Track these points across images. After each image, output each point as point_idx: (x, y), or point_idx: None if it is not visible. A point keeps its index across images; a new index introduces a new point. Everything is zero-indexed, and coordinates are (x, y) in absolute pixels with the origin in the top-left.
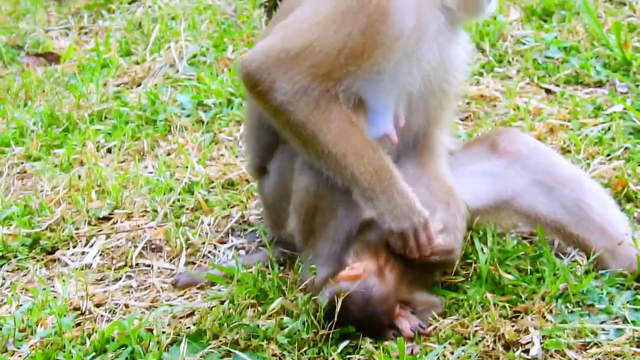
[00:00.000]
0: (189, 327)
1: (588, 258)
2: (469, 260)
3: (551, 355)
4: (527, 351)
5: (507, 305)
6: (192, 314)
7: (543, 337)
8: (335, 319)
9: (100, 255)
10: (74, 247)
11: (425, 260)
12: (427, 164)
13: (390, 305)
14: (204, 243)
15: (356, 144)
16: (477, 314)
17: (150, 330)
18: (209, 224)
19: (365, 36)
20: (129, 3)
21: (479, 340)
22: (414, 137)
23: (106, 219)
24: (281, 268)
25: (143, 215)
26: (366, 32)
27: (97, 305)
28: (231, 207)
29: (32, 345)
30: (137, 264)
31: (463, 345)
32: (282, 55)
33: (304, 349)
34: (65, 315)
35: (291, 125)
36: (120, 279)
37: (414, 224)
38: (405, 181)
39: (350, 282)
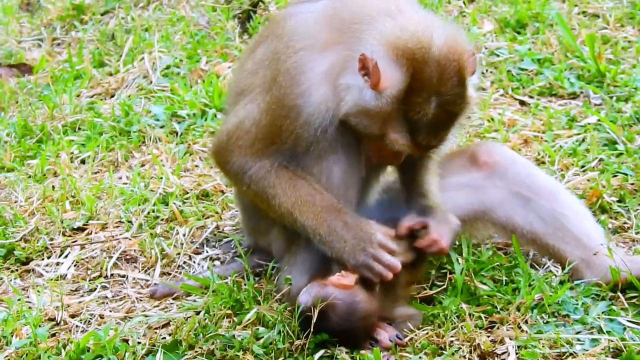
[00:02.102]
0: (164, 338)
1: (563, 268)
2: (444, 271)
3: None
4: None
5: (482, 315)
6: (167, 324)
7: (519, 347)
8: (314, 321)
9: (75, 265)
10: (48, 257)
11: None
12: (421, 180)
13: (372, 323)
14: (179, 254)
15: (299, 198)
16: (452, 324)
17: (126, 341)
18: (184, 235)
19: (275, 126)
20: (102, 14)
21: (455, 351)
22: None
23: (81, 229)
24: (256, 278)
25: (118, 226)
26: (275, 124)
27: (72, 316)
28: (206, 218)
29: (7, 356)
30: (112, 275)
31: (439, 355)
32: (224, 140)
33: (280, 359)
34: (40, 326)
35: (245, 193)
36: (95, 289)
37: (370, 252)
38: (355, 214)
39: (338, 289)
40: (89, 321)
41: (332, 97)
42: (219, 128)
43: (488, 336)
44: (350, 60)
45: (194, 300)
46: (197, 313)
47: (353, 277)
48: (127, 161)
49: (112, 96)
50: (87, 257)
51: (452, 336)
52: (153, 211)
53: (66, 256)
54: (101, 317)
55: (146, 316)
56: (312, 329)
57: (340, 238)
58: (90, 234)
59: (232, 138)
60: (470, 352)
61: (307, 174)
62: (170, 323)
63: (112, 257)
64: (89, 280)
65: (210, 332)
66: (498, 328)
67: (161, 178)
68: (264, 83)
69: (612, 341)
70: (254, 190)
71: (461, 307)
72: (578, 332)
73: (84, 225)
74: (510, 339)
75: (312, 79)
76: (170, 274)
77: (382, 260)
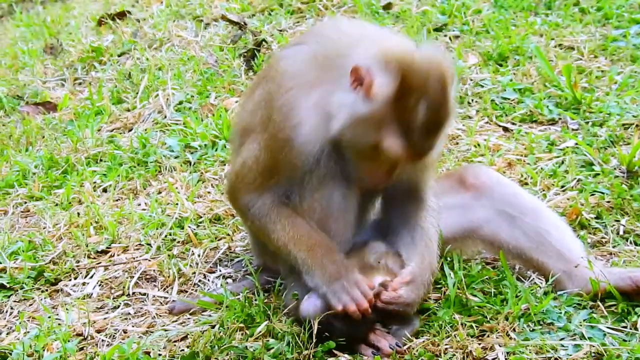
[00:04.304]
0: (183, 350)
1: (547, 280)
2: (439, 285)
3: None
4: None
5: (474, 325)
6: (185, 337)
7: (508, 353)
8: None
9: (100, 285)
10: (75, 278)
11: (383, 309)
12: (414, 213)
13: (371, 326)
14: (194, 273)
15: (296, 233)
16: (446, 333)
17: (148, 353)
18: (199, 255)
19: (273, 160)
20: (119, 55)
21: (449, 358)
22: (400, 189)
23: (104, 252)
24: (266, 294)
25: (138, 249)
26: (273, 157)
27: (98, 331)
28: (218, 240)
29: None
30: (133, 293)
31: None
32: (233, 180)
33: None
34: (69, 341)
35: (250, 228)
36: (119, 306)
37: (344, 283)
38: (342, 255)
39: None
40: (114, 336)
41: (322, 125)
42: (229, 169)
43: (479, 344)
44: (339, 82)
45: (209, 315)
46: (212, 327)
47: None
48: (145, 189)
49: (130, 130)
50: (110, 278)
51: (446, 344)
52: (170, 234)
53: (91, 277)
54: (125, 331)
55: (166, 330)
56: (314, 338)
57: (324, 268)
58: (113, 256)
59: (238, 177)
60: (464, 358)
61: (308, 200)
62: (188, 336)
63: (133, 277)
64: (113, 299)
65: (225, 344)
66: (488, 336)
67: (177, 204)
68: (262, 123)
69: (593, 346)
70: (257, 226)
71: (454, 318)
72: (562, 339)
73: (107, 248)
74: (500, 346)
75: (302, 113)
76: (187, 292)
77: (352, 294)
